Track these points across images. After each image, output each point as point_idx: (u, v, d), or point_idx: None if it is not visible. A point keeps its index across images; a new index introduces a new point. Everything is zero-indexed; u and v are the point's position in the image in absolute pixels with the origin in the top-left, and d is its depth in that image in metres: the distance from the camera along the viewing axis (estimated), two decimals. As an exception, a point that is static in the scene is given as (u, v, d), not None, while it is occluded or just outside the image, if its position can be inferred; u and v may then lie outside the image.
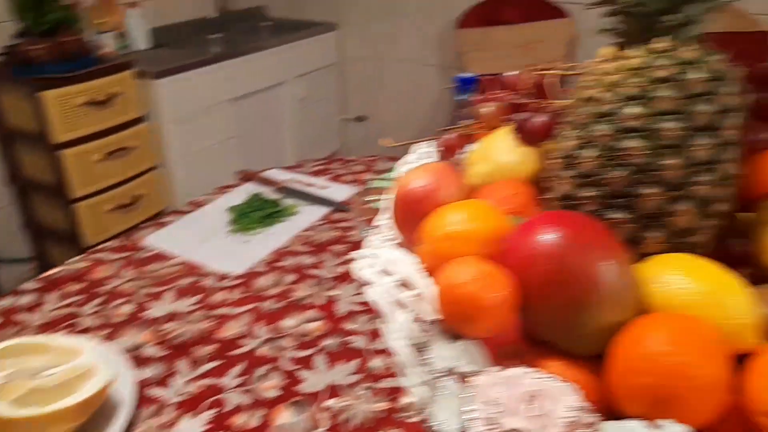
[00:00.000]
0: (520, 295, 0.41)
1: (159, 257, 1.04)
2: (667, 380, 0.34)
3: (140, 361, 0.79)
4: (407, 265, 0.47)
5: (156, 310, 0.90)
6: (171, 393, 0.75)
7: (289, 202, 1.20)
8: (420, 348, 0.41)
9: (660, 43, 0.45)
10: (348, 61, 2.94)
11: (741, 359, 0.39)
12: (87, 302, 0.92)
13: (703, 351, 0.35)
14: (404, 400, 0.72)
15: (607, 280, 0.38)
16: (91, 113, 1.91)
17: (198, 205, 1.22)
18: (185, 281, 0.97)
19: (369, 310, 0.89)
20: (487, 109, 0.64)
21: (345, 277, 0.97)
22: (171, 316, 0.89)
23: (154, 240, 1.09)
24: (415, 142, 0.70)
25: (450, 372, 0.40)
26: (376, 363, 0.79)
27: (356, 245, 1.06)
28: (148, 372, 0.78)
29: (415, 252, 0.51)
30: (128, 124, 2.04)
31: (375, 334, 0.84)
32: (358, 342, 0.83)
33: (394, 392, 0.74)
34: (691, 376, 0.34)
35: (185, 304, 0.92)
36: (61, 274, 0.99)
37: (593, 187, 0.45)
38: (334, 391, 0.75)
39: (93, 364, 0.69)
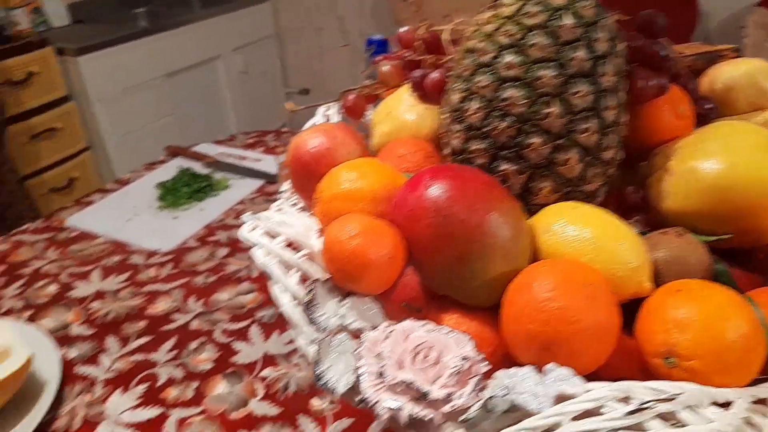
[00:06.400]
0: (410, 250, 0.41)
1: (83, 237, 1.00)
2: (551, 326, 0.35)
3: (67, 340, 0.77)
4: (298, 226, 0.47)
5: (82, 289, 0.87)
6: (100, 370, 0.73)
7: (220, 176, 1.17)
8: (309, 307, 0.40)
9: None
10: (285, 32, 2.88)
11: (635, 304, 0.40)
12: (8, 285, 0.88)
13: (586, 295, 0.36)
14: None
15: (495, 231, 0.38)
16: (11, 93, 1.81)
17: (124, 183, 1.18)
18: (112, 260, 0.94)
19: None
20: (386, 67, 0.63)
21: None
22: (98, 295, 0.86)
23: (78, 220, 1.04)
24: (320, 105, 0.69)
25: (340, 329, 0.40)
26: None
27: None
28: (76, 351, 0.76)
29: (312, 214, 0.50)
30: (52, 105, 1.93)
31: (310, 302, 0.84)
32: (293, 310, 0.82)
33: (329, 357, 0.74)
34: (573, 321, 0.35)
35: (112, 282, 0.89)
36: (-23, 258, 0.95)
37: (481, 139, 0.45)
38: (269, 361, 0.75)
39: (8, 345, 0.67)
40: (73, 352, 0.75)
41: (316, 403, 0.68)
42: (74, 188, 2.03)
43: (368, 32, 2.69)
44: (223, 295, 0.86)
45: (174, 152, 1.27)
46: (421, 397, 0.32)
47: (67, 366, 0.73)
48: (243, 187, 1.14)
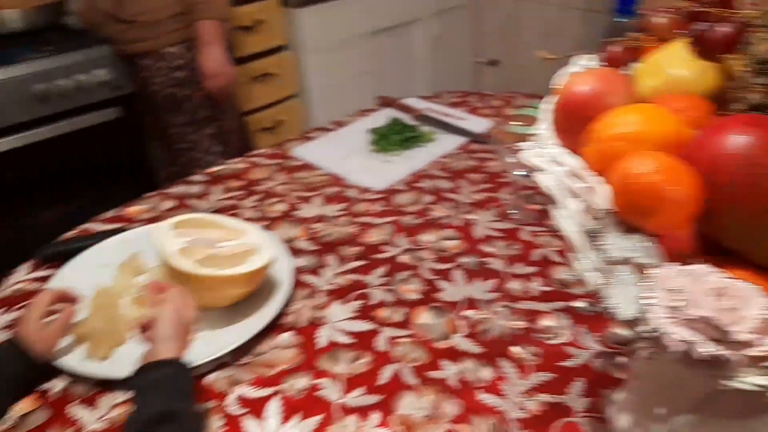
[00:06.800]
0: (706, 197, 0.40)
1: (307, 167, 1.11)
2: None
3: (294, 251, 0.87)
4: (573, 161, 0.47)
5: (306, 211, 0.97)
6: (322, 282, 0.82)
7: (426, 129, 1.22)
8: (595, 235, 0.41)
9: None
10: (484, 0, 2.85)
11: None
12: (247, 197, 1.01)
13: None
14: (543, 323, 0.73)
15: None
16: (239, 38, 2.03)
17: (340, 124, 1.27)
18: (331, 190, 1.03)
19: (507, 237, 0.90)
20: (660, 19, 0.60)
21: (482, 204, 0.98)
22: (319, 218, 0.96)
23: (302, 151, 1.16)
24: (575, 55, 0.68)
25: (625, 261, 0.40)
26: (514, 285, 0.80)
27: (494, 176, 1.07)
28: (302, 261, 0.85)
29: (579, 154, 0.50)
30: (272, 51, 2.13)
31: (513, 260, 0.85)
32: (496, 264, 0.84)
33: (533, 314, 0.75)
34: None
35: (332, 209, 0.98)
36: (223, 171, 1.10)
37: None
38: (471, 303, 0.78)
39: (258, 244, 0.77)
40: (299, 262, 0.85)
41: (516, 350, 0.70)
42: (279, 131, 2.24)
43: (574, 5, 2.57)
44: (428, 237, 0.91)
45: (385, 103, 1.34)
46: (720, 336, 0.31)
47: (295, 272, 0.83)
48: (447, 142, 1.18)
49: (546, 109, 0.58)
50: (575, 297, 0.78)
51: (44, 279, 0.82)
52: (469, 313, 0.76)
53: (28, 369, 0.64)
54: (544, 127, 0.58)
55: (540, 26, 2.71)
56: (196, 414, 0.53)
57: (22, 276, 0.83)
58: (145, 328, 0.61)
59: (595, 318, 0.74)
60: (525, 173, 0.90)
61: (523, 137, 0.86)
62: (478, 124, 1.24)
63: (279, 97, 2.20)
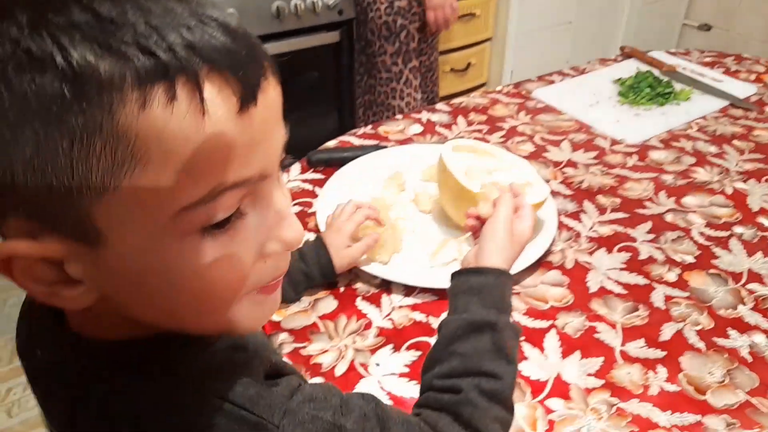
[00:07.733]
0: None
1: (549, 109, 1.07)
2: None
3: (552, 193, 0.84)
4: None
5: (555, 154, 0.95)
6: (583, 227, 0.79)
7: (679, 87, 1.12)
8: None
9: None
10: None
11: None
12: (491, 132, 1.00)
13: None
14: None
15: None
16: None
17: (579, 71, 1.21)
18: (578, 137, 0.99)
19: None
20: None
21: (754, 175, 0.89)
22: (570, 163, 0.92)
23: (542, 94, 1.12)
24: None
25: None
26: (805, 265, 0.72)
27: (764, 146, 0.96)
28: (558, 204, 0.83)
29: None
30: (478, -9, 2.08)
31: (799, 237, 0.77)
32: (778, 239, 0.77)
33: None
34: None
35: (582, 156, 0.94)
36: (464, 104, 1.09)
37: None
38: (754, 276, 0.71)
39: (532, 178, 0.76)
40: (556, 204, 0.83)
41: (817, 337, 0.64)
42: (468, 73, 2.20)
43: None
44: (694, 200, 0.84)
45: (629, 54, 1.25)
46: None
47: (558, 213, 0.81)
48: (705, 103, 1.08)
49: None
50: None
51: (313, 181, 0.88)
52: (754, 286, 0.70)
53: (324, 274, 0.67)
54: None
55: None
56: (514, 328, 0.51)
57: (294, 176, 0.90)
58: (477, 222, 0.57)
59: None
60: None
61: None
62: (740, 88, 1.11)
63: (475, 40, 2.15)
